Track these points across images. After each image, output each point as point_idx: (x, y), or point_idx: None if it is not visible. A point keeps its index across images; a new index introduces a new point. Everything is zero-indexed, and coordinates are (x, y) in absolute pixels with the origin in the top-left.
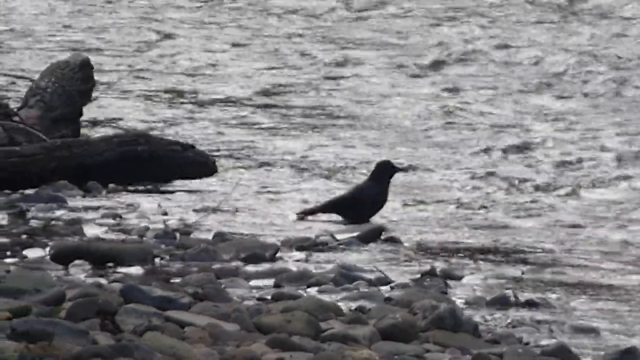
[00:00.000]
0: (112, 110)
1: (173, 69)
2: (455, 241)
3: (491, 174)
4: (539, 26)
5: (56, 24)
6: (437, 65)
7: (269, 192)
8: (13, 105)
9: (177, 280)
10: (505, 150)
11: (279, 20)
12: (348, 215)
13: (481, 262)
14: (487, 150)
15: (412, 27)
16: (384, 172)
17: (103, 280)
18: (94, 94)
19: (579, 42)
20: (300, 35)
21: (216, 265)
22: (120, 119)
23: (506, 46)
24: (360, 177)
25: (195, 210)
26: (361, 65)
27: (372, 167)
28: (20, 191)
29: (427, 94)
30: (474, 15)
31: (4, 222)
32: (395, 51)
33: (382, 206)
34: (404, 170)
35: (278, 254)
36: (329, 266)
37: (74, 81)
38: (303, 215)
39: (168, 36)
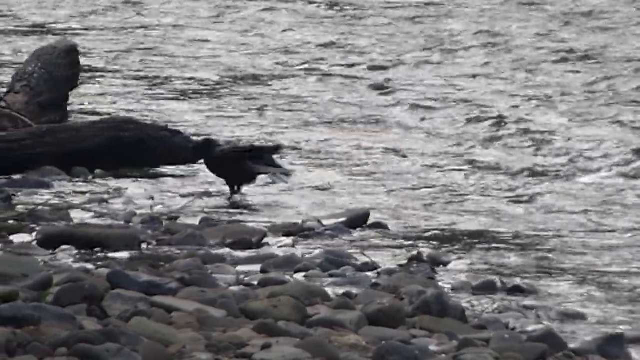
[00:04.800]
0: (98, 96)
1: (157, 55)
2: (442, 227)
3: (478, 159)
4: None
5: (40, 8)
6: (427, 52)
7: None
8: None
9: (164, 265)
10: (492, 137)
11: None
12: None
13: (468, 247)
14: (475, 136)
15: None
16: None
17: (90, 266)
18: (80, 80)
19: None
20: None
21: (203, 251)
22: (106, 104)
23: (496, 34)
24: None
25: (182, 196)
26: (358, 54)
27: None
28: (7, 176)
29: (417, 80)
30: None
31: None
32: (386, 38)
33: None
34: None
35: (265, 240)
36: (316, 252)
37: (61, 67)
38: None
39: (152, 22)
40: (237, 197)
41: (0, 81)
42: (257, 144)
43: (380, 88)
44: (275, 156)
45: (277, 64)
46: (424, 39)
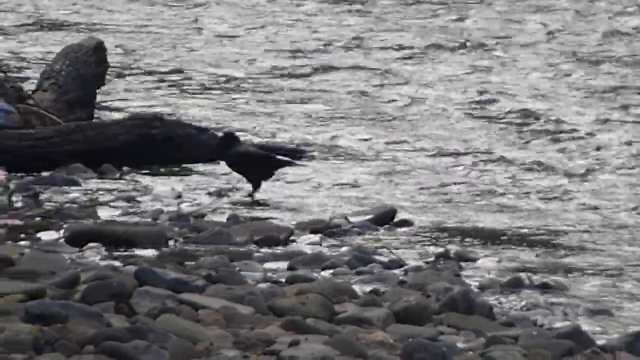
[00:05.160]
0: (125, 93)
1: (181, 51)
2: (470, 224)
3: (506, 157)
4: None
5: (68, 5)
6: (462, 48)
7: (282, 175)
8: (27, 88)
9: (191, 262)
10: (520, 133)
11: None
12: None
13: (495, 244)
14: (502, 133)
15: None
16: None
17: (117, 263)
18: (107, 77)
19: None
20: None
21: (230, 248)
22: (133, 102)
23: (525, 29)
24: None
25: (209, 193)
26: (384, 50)
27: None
28: (35, 174)
29: (450, 77)
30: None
31: (19, 205)
32: (419, 34)
33: None
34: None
35: (292, 237)
36: (343, 249)
37: (88, 64)
38: None
39: (178, 19)
40: (258, 194)
41: (28, 79)
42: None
43: (406, 84)
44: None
45: (303, 59)
46: (453, 33)
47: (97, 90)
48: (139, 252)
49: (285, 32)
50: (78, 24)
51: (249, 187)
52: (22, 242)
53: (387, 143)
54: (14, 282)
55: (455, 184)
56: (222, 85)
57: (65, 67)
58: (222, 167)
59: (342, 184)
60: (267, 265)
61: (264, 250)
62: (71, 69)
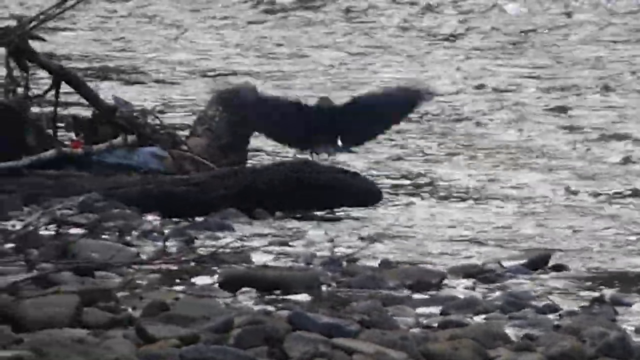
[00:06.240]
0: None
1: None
2: (625, 268)
3: None
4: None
5: (223, 54)
6: (600, 80)
7: (434, 219)
8: (181, 134)
9: (344, 307)
10: None
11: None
12: None
13: None
14: None
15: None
16: None
17: (270, 308)
18: None
19: None
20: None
21: (382, 293)
22: (284, 147)
23: None
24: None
25: (361, 238)
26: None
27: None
28: (189, 219)
29: (602, 116)
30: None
31: (173, 250)
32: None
33: None
34: None
35: (444, 282)
36: (497, 294)
37: None
38: None
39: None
40: None
41: (181, 124)
42: None
43: (558, 125)
44: None
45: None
46: (598, 67)
47: (250, 136)
48: (292, 296)
49: (416, 69)
50: (231, 70)
51: (400, 231)
52: (177, 287)
53: (536, 184)
54: (169, 327)
55: (608, 226)
56: None
57: (219, 113)
58: (374, 211)
59: (493, 227)
60: (420, 310)
61: (416, 294)
62: (225, 114)
